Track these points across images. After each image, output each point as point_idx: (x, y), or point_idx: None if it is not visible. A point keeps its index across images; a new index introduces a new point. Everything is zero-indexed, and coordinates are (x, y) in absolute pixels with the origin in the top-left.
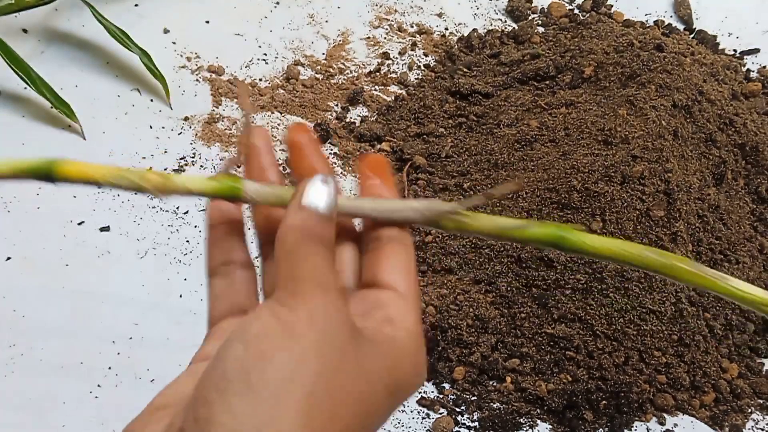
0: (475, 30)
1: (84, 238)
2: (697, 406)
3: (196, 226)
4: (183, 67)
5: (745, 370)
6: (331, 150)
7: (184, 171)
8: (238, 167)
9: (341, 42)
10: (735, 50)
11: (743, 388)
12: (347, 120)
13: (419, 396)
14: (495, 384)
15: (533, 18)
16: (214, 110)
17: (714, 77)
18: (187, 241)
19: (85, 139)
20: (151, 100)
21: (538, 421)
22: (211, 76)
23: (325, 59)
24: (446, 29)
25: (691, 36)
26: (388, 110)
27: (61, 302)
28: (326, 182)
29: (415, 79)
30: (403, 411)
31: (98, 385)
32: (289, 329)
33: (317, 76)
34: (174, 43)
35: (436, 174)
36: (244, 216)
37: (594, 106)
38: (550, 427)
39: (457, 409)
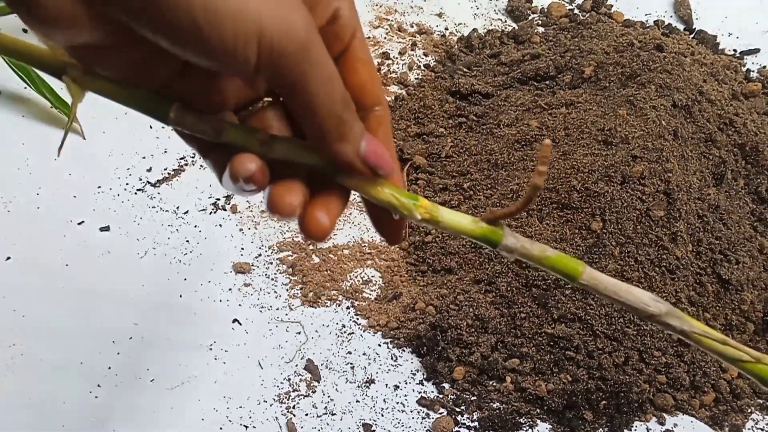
0: (475, 30)
1: (84, 238)
2: (697, 406)
3: (196, 226)
4: None
5: None
6: None
7: (184, 171)
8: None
9: None
10: (735, 50)
11: (743, 388)
12: None
13: (419, 396)
14: (495, 384)
15: (533, 18)
16: None
17: (714, 77)
18: (187, 241)
19: (84, 139)
20: None
21: (538, 421)
22: None
23: None
24: (446, 29)
25: (691, 36)
26: None
27: (61, 302)
28: None
29: (415, 79)
30: (403, 411)
31: (98, 385)
32: None
33: None
34: None
35: (436, 174)
36: None
37: (594, 106)
38: (550, 427)
39: (457, 409)
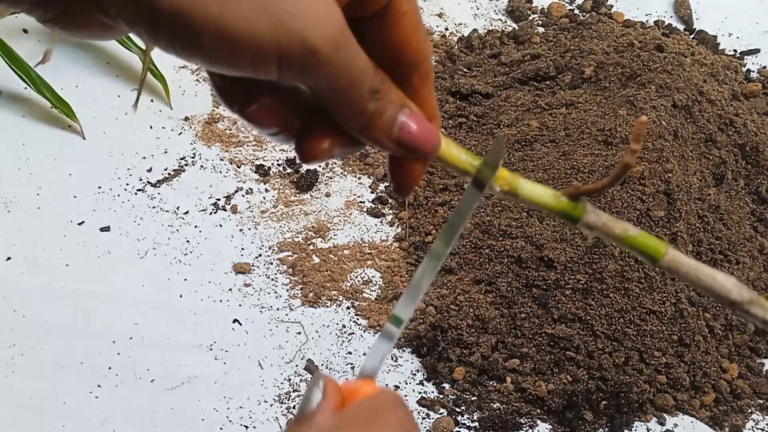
0: (475, 30)
1: (84, 238)
2: (697, 407)
3: (196, 226)
4: (183, 67)
5: (745, 371)
6: None
7: (184, 171)
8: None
9: None
10: (735, 50)
11: (743, 388)
12: None
13: (419, 396)
14: (495, 384)
15: (533, 18)
16: (214, 110)
17: (714, 77)
18: (187, 241)
19: (84, 139)
20: (152, 100)
21: (538, 421)
22: None
23: None
24: (446, 29)
25: (691, 36)
26: None
27: (62, 302)
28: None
29: None
30: None
31: (98, 385)
32: None
33: None
34: None
35: (436, 174)
36: None
37: (594, 107)
38: (550, 427)
39: (457, 409)
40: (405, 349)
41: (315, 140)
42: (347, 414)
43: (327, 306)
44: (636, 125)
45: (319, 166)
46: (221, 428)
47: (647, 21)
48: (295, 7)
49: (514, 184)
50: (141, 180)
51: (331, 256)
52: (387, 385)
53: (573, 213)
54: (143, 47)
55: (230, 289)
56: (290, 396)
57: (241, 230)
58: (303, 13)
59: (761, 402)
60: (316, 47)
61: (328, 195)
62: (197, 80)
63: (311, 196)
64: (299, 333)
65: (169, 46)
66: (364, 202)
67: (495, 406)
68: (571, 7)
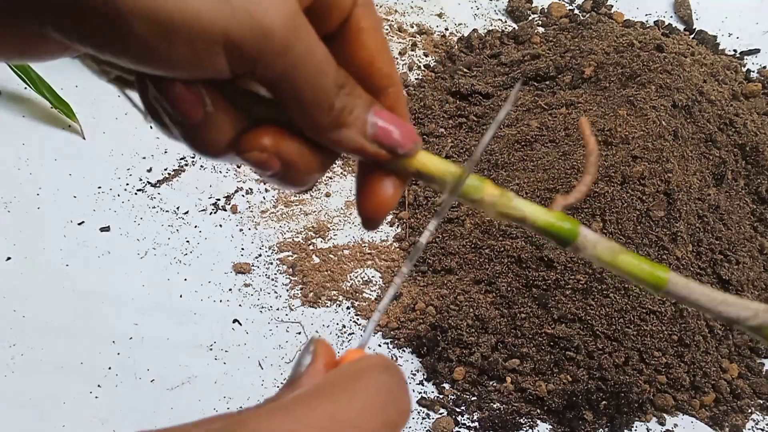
0: (475, 30)
1: (84, 238)
2: (697, 407)
3: (196, 226)
4: None
5: (745, 371)
6: None
7: (184, 171)
8: None
9: None
10: (735, 50)
11: (743, 388)
12: None
13: (419, 396)
14: (495, 384)
15: (533, 18)
16: None
17: (714, 77)
18: (187, 241)
19: (84, 139)
20: None
21: (538, 421)
22: None
23: None
24: (446, 29)
25: (691, 36)
26: None
27: (62, 302)
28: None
29: (415, 79)
30: None
31: (98, 385)
32: None
33: None
34: None
35: None
36: None
37: (594, 107)
38: (550, 427)
39: (457, 409)
40: (405, 349)
41: (255, 134)
42: (329, 376)
43: (327, 306)
44: (585, 137)
45: None
46: None
47: (647, 21)
48: None
49: (501, 200)
50: (141, 180)
51: (331, 256)
52: None
53: (567, 236)
54: None
55: (230, 289)
56: None
57: (241, 230)
58: None
59: (761, 402)
60: (270, 28)
61: (328, 195)
62: None
63: (311, 196)
64: (299, 333)
65: (94, 46)
66: None
67: (495, 406)
68: (571, 7)
